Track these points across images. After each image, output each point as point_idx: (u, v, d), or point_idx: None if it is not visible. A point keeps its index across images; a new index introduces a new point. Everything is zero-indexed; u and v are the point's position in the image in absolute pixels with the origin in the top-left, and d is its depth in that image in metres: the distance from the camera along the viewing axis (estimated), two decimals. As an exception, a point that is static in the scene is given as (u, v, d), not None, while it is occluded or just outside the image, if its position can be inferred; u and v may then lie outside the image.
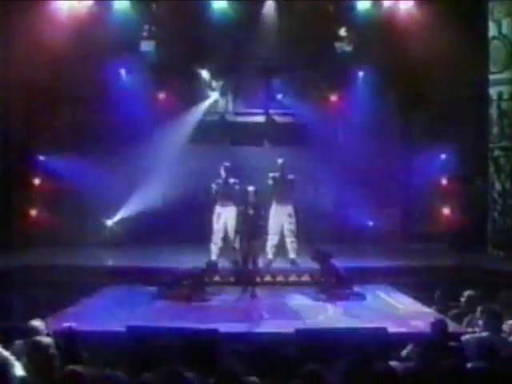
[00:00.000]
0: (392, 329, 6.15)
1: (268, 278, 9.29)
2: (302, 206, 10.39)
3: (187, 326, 6.43)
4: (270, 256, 9.65)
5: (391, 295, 8.69)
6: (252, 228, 8.68)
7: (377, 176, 11.73)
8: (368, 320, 7.21)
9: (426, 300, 8.06)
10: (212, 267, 8.82)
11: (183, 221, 12.07)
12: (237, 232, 9.02)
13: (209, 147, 12.14)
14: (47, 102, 11.52)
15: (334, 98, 12.14)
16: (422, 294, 8.42)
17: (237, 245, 9.07)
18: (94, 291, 8.67)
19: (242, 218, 8.86)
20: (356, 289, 8.62)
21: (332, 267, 8.58)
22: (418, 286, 8.90)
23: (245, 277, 8.63)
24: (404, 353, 5.32)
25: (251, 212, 8.73)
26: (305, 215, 10.59)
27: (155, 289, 8.57)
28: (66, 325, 5.33)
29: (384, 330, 5.91)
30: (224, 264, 9.51)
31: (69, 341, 4.95)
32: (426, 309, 7.76)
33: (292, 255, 9.73)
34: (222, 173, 9.79)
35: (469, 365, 4.62)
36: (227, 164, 9.92)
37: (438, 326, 5.36)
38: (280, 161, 10.07)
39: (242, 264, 8.67)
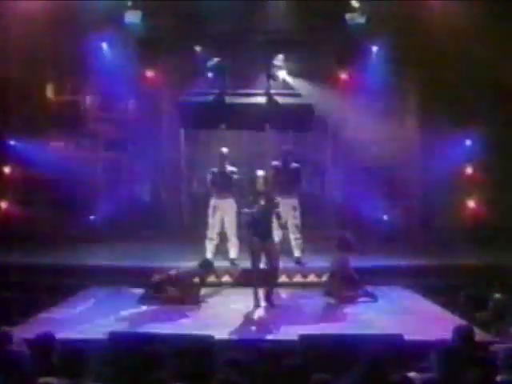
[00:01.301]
0: (409, 336, 6.12)
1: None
2: (307, 199, 10.33)
3: (179, 333, 6.42)
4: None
5: (408, 298, 8.68)
6: (265, 223, 8.22)
7: (393, 164, 11.67)
8: (382, 326, 7.22)
9: (448, 304, 8.05)
10: (207, 266, 8.76)
11: (174, 214, 12.06)
12: (249, 228, 8.33)
13: (203, 132, 12.09)
14: (20, 80, 11.41)
15: (344, 76, 12.05)
16: (443, 297, 8.41)
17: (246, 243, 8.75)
18: (72, 293, 8.66)
19: (251, 211, 8.30)
20: (369, 290, 8.61)
21: (345, 265, 8.53)
22: (440, 287, 8.87)
23: (254, 279, 8.38)
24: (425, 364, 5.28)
25: (263, 203, 8.28)
26: (311, 209, 10.55)
27: (142, 291, 8.55)
28: (40, 332, 5.29)
29: (400, 337, 5.90)
30: (220, 263, 9.49)
31: (43, 350, 4.92)
32: (448, 314, 7.75)
33: (297, 253, 9.70)
34: (218, 161, 9.73)
35: (498, 378, 4.58)
36: (224, 150, 9.87)
37: (463, 334, 5.30)
38: (283, 147, 10.00)
39: (252, 265, 8.35)
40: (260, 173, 8.52)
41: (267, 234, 8.22)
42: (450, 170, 11.51)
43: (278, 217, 8.49)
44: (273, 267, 8.28)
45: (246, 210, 8.57)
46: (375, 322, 7.47)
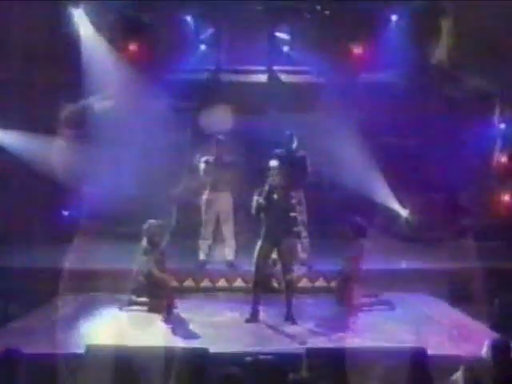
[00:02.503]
0: (433, 350, 6.11)
1: (273, 284, 9.24)
2: (315, 191, 10.33)
3: (167, 345, 6.43)
4: (273, 255, 9.58)
5: (431, 306, 8.69)
6: (278, 224, 8.09)
7: (413, 151, 11.66)
8: (401, 338, 7.23)
9: (479, 313, 8.02)
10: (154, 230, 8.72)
11: (162, 209, 12.03)
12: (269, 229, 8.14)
13: (196, 115, 12.06)
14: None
15: (357, 50, 12.06)
16: (473, 305, 8.40)
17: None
18: (44, 301, 8.66)
19: (262, 207, 8.10)
20: (384, 297, 8.66)
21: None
22: (469, 294, 8.86)
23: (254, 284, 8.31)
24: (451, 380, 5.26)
25: (276, 197, 8.13)
26: (319, 202, 10.54)
27: (125, 297, 8.55)
28: (5, 346, 5.26)
29: (422, 350, 5.89)
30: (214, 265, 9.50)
31: (8, 367, 4.88)
32: (479, 325, 7.75)
33: (303, 254, 9.67)
34: (214, 149, 9.69)
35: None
36: (220, 137, 9.84)
37: (497, 349, 5.28)
38: (288, 132, 9.97)
39: (255, 270, 8.26)
40: (274, 163, 8.39)
41: (280, 236, 8.12)
42: (480, 159, 11.50)
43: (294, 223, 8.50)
44: (285, 275, 8.21)
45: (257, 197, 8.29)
46: (393, 333, 7.51)
